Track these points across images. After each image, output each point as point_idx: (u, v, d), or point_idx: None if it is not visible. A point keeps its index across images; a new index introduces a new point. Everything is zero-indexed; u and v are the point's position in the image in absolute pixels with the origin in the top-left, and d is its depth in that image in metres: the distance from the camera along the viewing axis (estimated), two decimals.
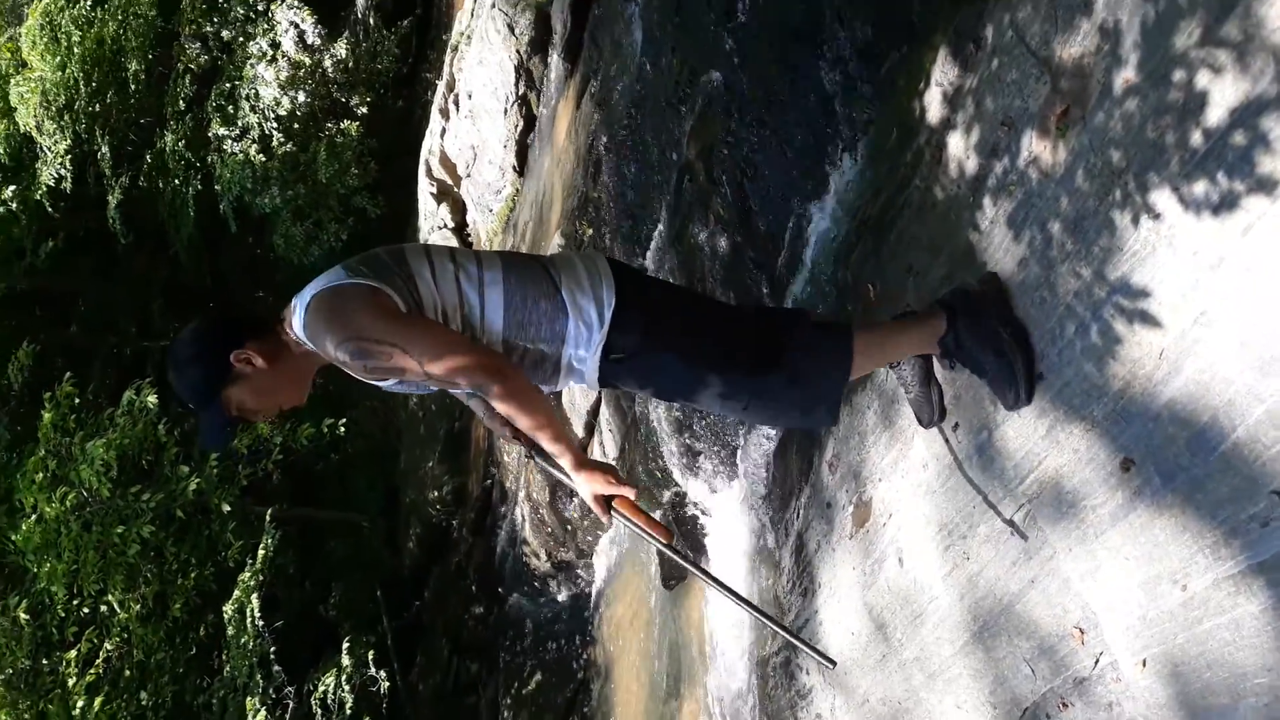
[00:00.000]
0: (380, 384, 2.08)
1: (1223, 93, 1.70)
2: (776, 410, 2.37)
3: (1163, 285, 1.82)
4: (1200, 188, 1.74)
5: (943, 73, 2.74)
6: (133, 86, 11.39)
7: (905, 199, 2.84)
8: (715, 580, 2.20)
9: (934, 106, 2.78)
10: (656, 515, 5.38)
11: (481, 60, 9.13)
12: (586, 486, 2.08)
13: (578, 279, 2.11)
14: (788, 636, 2.23)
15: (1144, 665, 1.94)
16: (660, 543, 2.11)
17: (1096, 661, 2.08)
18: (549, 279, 2.10)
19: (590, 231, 6.24)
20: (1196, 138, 1.75)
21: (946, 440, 2.54)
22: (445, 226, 10.57)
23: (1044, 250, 2.15)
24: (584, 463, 2.07)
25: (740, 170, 4.10)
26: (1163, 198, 1.82)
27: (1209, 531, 1.75)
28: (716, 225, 4.27)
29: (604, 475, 2.07)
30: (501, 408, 2.00)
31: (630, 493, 2.08)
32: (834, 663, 2.27)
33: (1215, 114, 1.71)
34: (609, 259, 2.20)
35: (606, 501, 2.08)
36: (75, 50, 10.77)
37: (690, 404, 2.40)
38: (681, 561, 2.19)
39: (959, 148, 2.54)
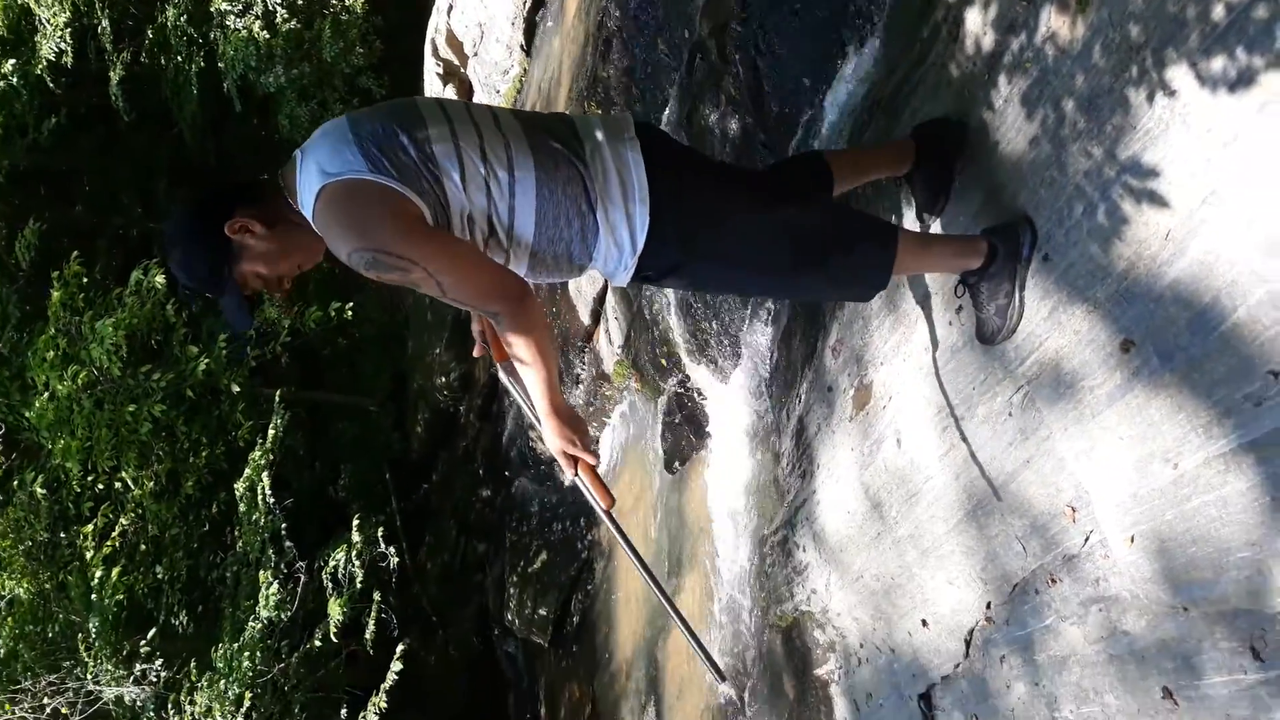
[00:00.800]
0: None
1: None
2: (811, 298, 2.36)
3: (1173, 164, 1.80)
4: (1218, 63, 1.70)
5: None
6: None
7: (920, 77, 2.78)
8: (643, 565, 2.30)
9: None
10: (661, 401, 5.45)
11: None
12: (555, 439, 2.08)
13: (609, 191, 1.98)
14: (692, 643, 2.27)
15: (1132, 541, 1.98)
16: (604, 511, 2.16)
17: (1086, 539, 2.13)
18: (583, 190, 1.97)
19: (599, 113, 6.13)
20: (1218, 11, 1.70)
21: (949, 324, 2.54)
22: None
23: (1056, 129, 2.12)
24: (558, 411, 2.06)
25: (754, 49, 4.00)
26: (1179, 74, 1.78)
27: (1204, 411, 1.77)
28: (728, 106, 4.19)
29: (573, 431, 2.07)
30: (507, 337, 1.97)
31: (594, 460, 2.10)
32: (724, 677, 2.37)
33: None
34: (642, 138, 2.05)
35: (573, 459, 2.10)
36: None
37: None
38: (618, 534, 2.25)
39: (976, 24, 2.47)
